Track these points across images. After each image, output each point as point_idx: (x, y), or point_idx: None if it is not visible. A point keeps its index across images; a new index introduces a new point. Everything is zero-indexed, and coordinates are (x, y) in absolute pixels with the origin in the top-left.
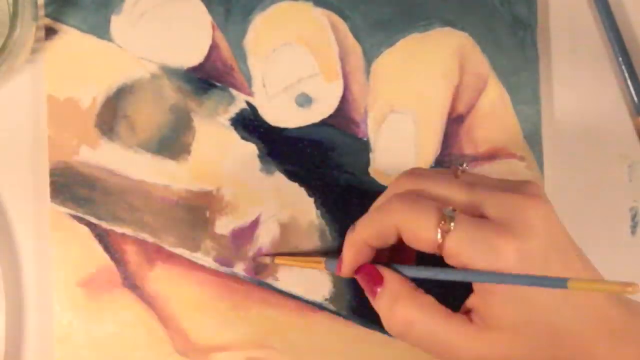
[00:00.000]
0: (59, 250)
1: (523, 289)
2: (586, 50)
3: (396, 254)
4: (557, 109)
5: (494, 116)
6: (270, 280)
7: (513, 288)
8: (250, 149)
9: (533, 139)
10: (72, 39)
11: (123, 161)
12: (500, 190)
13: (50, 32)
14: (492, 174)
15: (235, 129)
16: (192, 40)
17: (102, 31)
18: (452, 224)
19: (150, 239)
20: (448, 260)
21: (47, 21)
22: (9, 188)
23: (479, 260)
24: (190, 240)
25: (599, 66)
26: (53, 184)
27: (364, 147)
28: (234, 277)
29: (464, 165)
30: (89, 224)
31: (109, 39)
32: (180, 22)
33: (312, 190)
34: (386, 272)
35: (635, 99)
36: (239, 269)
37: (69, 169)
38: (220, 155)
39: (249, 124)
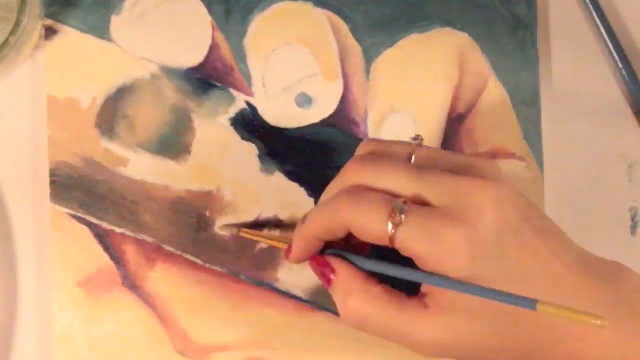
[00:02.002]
0: (59, 250)
1: (479, 268)
2: (586, 50)
3: (350, 242)
4: (557, 109)
5: (494, 116)
6: (270, 280)
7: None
8: (250, 149)
9: (533, 139)
10: (72, 39)
11: (123, 161)
12: (449, 175)
13: (50, 32)
14: None
15: (235, 129)
16: (192, 40)
17: (102, 31)
18: (402, 216)
19: (150, 239)
20: (402, 252)
21: (47, 21)
22: (9, 188)
23: (429, 252)
24: (190, 240)
25: (598, 66)
26: (53, 184)
27: None
28: (234, 277)
29: (419, 139)
30: (89, 224)
31: (109, 39)
32: (180, 22)
33: (312, 190)
34: (337, 265)
35: (635, 98)
36: (239, 269)
37: (69, 169)
38: (220, 155)
39: (249, 124)
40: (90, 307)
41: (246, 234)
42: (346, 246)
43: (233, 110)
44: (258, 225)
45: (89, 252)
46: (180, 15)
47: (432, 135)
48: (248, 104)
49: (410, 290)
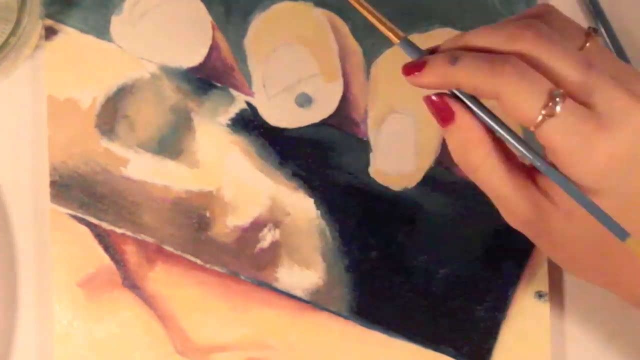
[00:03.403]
0: (59, 250)
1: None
2: None
3: None
4: None
5: None
6: (270, 281)
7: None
8: (250, 149)
9: (533, 138)
10: (72, 39)
11: (123, 161)
12: (616, 85)
13: (50, 32)
14: None
15: (235, 129)
16: (192, 40)
17: (102, 31)
18: (557, 107)
19: (150, 239)
20: (540, 140)
21: (47, 21)
22: (9, 188)
23: (569, 151)
24: (190, 241)
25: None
26: (53, 184)
27: (364, 147)
28: (234, 277)
29: (597, 30)
30: (89, 224)
31: (109, 39)
32: (180, 22)
33: (312, 190)
34: (460, 114)
35: None
36: (239, 269)
37: (69, 169)
38: (220, 155)
39: (249, 124)
40: (90, 307)
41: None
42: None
43: (233, 110)
44: (256, 223)
45: (89, 252)
46: (180, 15)
47: (432, 135)
48: (248, 104)
49: None
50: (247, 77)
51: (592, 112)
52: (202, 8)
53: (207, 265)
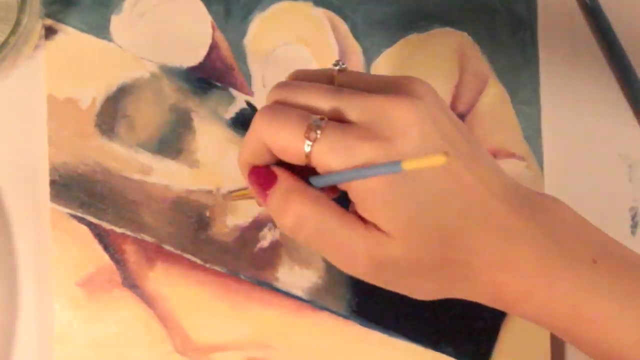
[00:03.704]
0: (59, 250)
1: (398, 191)
2: (586, 50)
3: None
4: (557, 108)
5: (494, 116)
6: (270, 280)
7: (387, 192)
8: None
9: (533, 139)
10: (72, 39)
11: (123, 161)
12: (366, 94)
13: (50, 32)
14: None
15: (235, 128)
16: (192, 40)
17: (102, 31)
18: (318, 132)
19: (150, 238)
20: (318, 170)
21: (47, 21)
22: (9, 188)
23: (341, 167)
24: (190, 240)
25: (598, 66)
26: (53, 184)
27: None
28: (234, 277)
29: (340, 64)
30: (89, 224)
31: (109, 39)
32: (180, 22)
33: None
34: (279, 171)
35: (634, 98)
36: (239, 269)
37: (69, 169)
38: (220, 155)
39: (249, 124)
40: (90, 307)
41: (236, 196)
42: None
43: (233, 110)
44: (257, 222)
45: (88, 252)
46: (180, 15)
47: None
48: (248, 103)
49: None
50: (247, 76)
51: (354, 125)
52: (202, 8)
53: (207, 265)
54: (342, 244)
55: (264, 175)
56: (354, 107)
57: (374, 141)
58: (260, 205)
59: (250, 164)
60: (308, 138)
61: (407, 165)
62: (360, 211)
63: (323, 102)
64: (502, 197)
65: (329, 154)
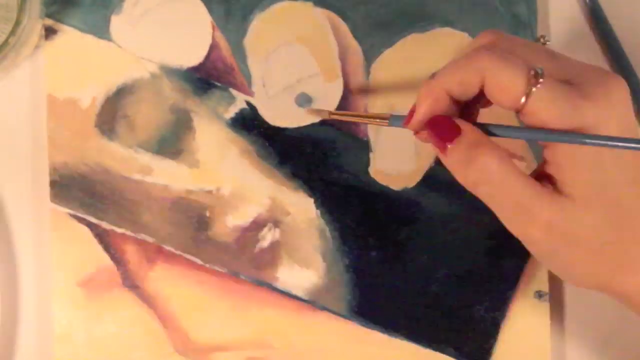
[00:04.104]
0: (59, 250)
1: (598, 160)
2: (586, 50)
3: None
4: None
5: (494, 116)
6: (270, 280)
7: (587, 158)
8: (250, 149)
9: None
10: (72, 39)
11: (123, 161)
12: (580, 62)
13: (50, 32)
14: None
15: (235, 128)
16: (192, 40)
17: (102, 31)
18: (540, 80)
19: (150, 239)
20: (525, 118)
21: (47, 21)
22: (9, 188)
23: (559, 120)
24: (190, 240)
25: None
26: (53, 184)
27: (364, 147)
28: (234, 277)
29: (545, 39)
30: (89, 224)
31: (109, 39)
32: (180, 22)
33: (312, 190)
34: (463, 124)
35: (635, 98)
36: (239, 269)
37: (69, 169)
38: (220, 155)
39: (249, 124)
40: (90, 307)
41: (337, 116)
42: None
43: (233, 110)
44: (256, 223)
45: (89, 252)
46: (180, 15)
47: None
48: (248, 103)
49: None
50: (247, 76)
51: (572, 84)
52: (202, 8)
53: (207, 265)
54: (524, 204)
55: (446, 126)
56: (572, 69)
57: (596, 102)
58: (437, 151)
59: (447, 93)
60: (530, 83)
61: None
62: (553, 170)
63: (545, 59)
64: None
65: (550, 104)
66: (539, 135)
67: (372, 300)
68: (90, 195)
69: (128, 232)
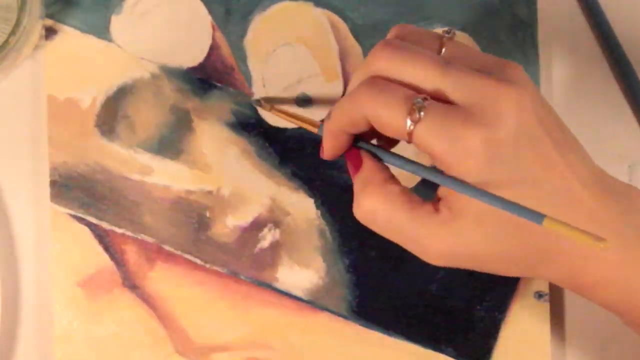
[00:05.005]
0: (59, 250)
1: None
2: (586, 50)
3: (381, 135)
4: (557, 108)
5: None
6: (270, 280)
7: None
8: (250, 149)
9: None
10: (72, 39)
11: (123, 161)
12: (474, 74)
13: (50, 32)
14: None
15: (236, 129)
16: (192, 40)
17: (102, 31)
18: (421, 113)
19: (150, 239)
20: (419, 149)
21: (47, 21)
22: (9, 188)
23: (445, 150)
24: (190, 241)
25: (598, 66)
26: (53, 184)
27: None
28: (234, 277)
29: (451, 32)
30: (89, 224)
31: (109, 39)
32: (180, 22)
33: (312, 190)
34: (365, 159)
35: (634, 98)
36: (239, 269)
37: (69, 169)
38: (220, 155)
39: (249, 125)
40: (90, 307)
41: (278, 113)
42: (379, 139)
43: (233, 111)
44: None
45: (89, 252)
46: (180, 15)
47: None
48: (248, 104)
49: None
50: (247, 77)
51: (457, 107)
52: (202, 8)
53: (207, 265)
54: (412, 238)
55: (355, 158)
56: (460, 87)
57: (476, 126)
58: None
59: (342, 131)
60: (411, 118)
61: (548, 224)
62: (444, 194)
63: (430, 77)
64: (590, 185)
65: (431, 137)
66: (430, 176)
67: (372, 300)
68: (90, 195)
69: (128, 233)
